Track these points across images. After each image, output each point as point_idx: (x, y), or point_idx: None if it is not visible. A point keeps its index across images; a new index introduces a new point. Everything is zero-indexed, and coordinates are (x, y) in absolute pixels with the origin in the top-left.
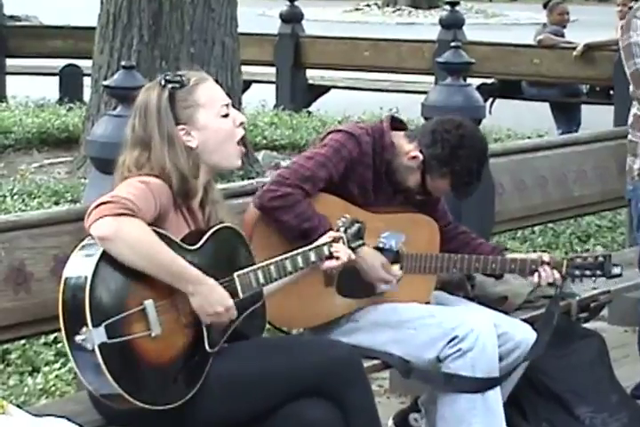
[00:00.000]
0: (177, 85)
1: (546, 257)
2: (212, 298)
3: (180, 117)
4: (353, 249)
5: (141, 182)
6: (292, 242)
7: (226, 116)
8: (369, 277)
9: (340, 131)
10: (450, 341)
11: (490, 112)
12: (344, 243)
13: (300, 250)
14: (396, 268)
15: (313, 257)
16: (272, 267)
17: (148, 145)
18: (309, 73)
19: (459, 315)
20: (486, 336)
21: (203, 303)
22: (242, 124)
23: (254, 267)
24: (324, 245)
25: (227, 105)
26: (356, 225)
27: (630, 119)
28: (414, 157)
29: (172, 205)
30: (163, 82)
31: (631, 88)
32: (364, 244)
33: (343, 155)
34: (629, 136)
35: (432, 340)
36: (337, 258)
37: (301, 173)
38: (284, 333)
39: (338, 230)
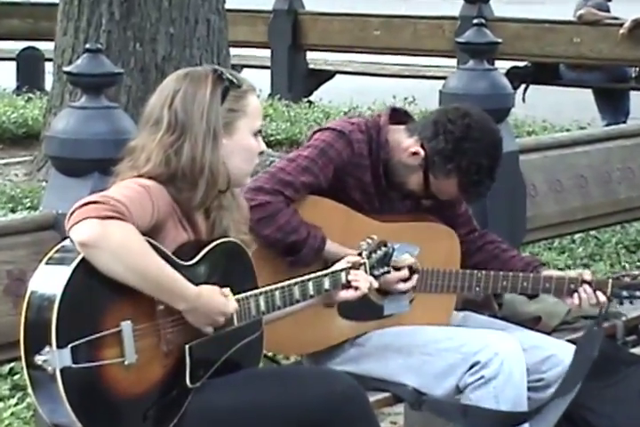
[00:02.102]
0: (234, 83)
1: (587, 275)
2: (210, 311)
3: (222, 119)
4: (376, 277)
5: (140, 185)
6: (281, 262)
7: (256, 134)
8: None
9: (326, 129)
10: (470, 367)
11: (523, 100)
12: (365, 270)
13: (312, 275)
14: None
15: (327, 284)
16: (277, 293)
17: (185, 133)
18: (310, 56)
19: (480, 337)
20: (513, 362)
21: (200, 318)
22: (261, 153)
23: (256, 291)
24: (341, 271)
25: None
26: (383, 249)
27: None
28: (414, 153)
29: (171, 215)
30: (220, 73)
31: None
32: (389, 272)
33: (331, 156)
34: None
35: (450, 366)
36: (355, 288)
37: (280, 178)
38: (276, 362)
39: (360, 254)
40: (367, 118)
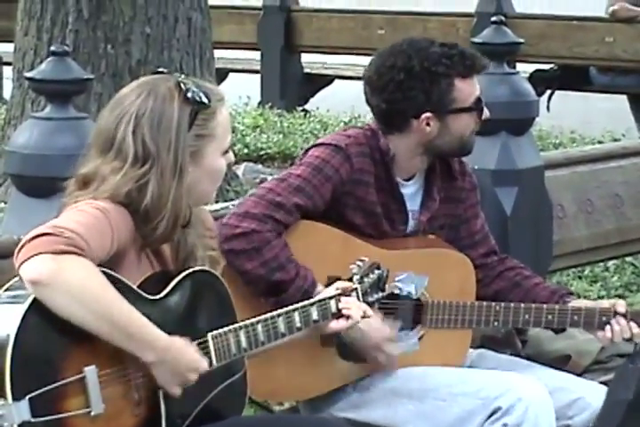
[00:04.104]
0: (203, 103)
1: (621, 306)
2: (181, 365)
3: (189, 147)
4: (370, 304)
5: (97, 209)
6: (262, 303)
7: (226, 152)
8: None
9: (321, 144)
10: (491, 414)
11: (547, 109)
12: (358, 296)
13: (297, 305)
14: (394, 346)
15: (315, 315)
16: (259, 326)
17: (152, 167)
18: (305, 59)
19: (501, 379)
20: (539, 407)
21: (169, 374)
22: (230, 164)
23: (235, 326)
24: (330, 298)
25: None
26: (376, 272)
27: None
28: (427, 121)
29: (134, 241)
30: (186, 91)
31: None
32: (384, 297)
33: (327, 174)
34: None
35: (467, 413)
36: (347, 317)
37: (269, 199)
38: (268, 410)
39: (351, 279)
40: (364, 128)
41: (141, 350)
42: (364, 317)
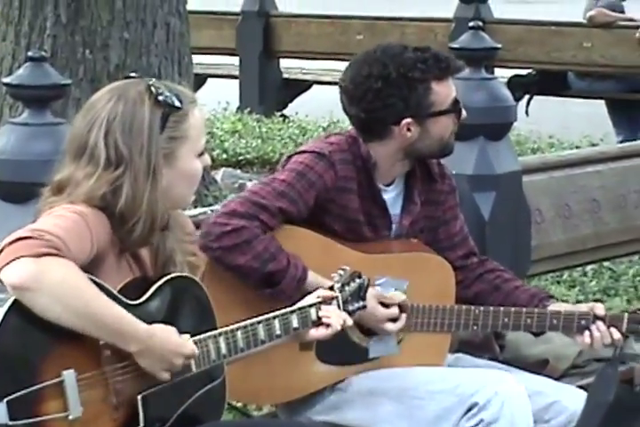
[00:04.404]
0: (174, 106)
1: (599, 309)
2: (166, 352)
3: (162, 150)
4: (350, 313)
5: (75, 213)
6: (257, 295)
7: (202, 154)
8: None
9: (303, 152)
10: (468, 410)
11: (526, 113)
12: (338, 305)
13: (278, 312)
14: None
15: (295, 322)
16: (239, 333)
17: (125, 171)
18: (284, 64)
19: (478, 376)
20: (515, 403)
21: (155, 362)
22: (206, 167)
23: (215, 332)
24: (310, 306)
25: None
26: (357, 281)
27: None
28: (408, 127)
29: (113, 246)
30: (157, 95)
31: None
32: (364, 306)
33: (311, 180)
34: None
35: (444, 411)
36: (327, 325)
37: (255, 201)
38: (247, 415)
39: (332, 288)
40: (346, 135)
41: (124, 341)
42: (343, 325)
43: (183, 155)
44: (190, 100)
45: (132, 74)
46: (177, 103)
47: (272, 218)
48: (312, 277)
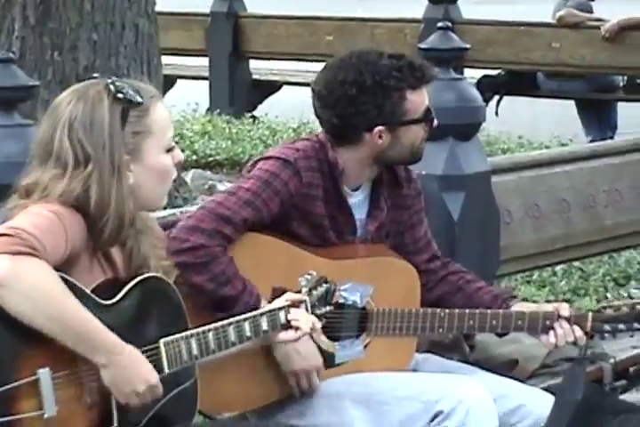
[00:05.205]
0: (133, 101)
1: (564, 309)
2: (132, 373)
3: (126, 145)
4: (318, 317)
5: (50, 211)
6: (208, 315)
7: (171, 150)
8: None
9: (269, 158)
10: (433, 418)
11: (496, 114)
12: (307, 308)
13: (248, 314)
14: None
15: (265, 325)
16: (210, 335)
17: (92, 170)
18: (253, 65)
19: (442, 383)
20: (480, 409)
21: (118, 379)
22: (179, 163)
23: (187, 333)
24: (279, 309)
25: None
26: (324, 286)
27: None
28: (380, 134)
29: (87, 246)
30: (115, 92)
31: None
32: (331, 311)
33: (276, 188)
34: None
35: (409, 417)
36: (296, 328)
37: (218, 214)
38: (210, 418)
39: (299, 291)
40: (313, 139)
41: (93, 352)
42: (312, 329)
43: (149, 149)
44: (151, 95)
45: (95, 75)
46: (136, 98)
47: (235, 231)
48: (264, 304)
